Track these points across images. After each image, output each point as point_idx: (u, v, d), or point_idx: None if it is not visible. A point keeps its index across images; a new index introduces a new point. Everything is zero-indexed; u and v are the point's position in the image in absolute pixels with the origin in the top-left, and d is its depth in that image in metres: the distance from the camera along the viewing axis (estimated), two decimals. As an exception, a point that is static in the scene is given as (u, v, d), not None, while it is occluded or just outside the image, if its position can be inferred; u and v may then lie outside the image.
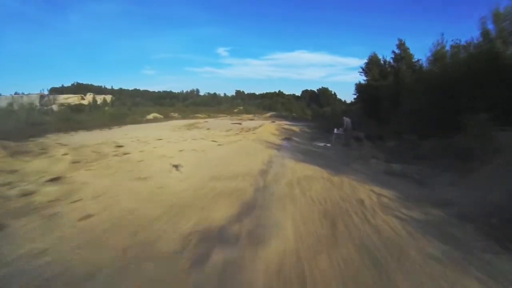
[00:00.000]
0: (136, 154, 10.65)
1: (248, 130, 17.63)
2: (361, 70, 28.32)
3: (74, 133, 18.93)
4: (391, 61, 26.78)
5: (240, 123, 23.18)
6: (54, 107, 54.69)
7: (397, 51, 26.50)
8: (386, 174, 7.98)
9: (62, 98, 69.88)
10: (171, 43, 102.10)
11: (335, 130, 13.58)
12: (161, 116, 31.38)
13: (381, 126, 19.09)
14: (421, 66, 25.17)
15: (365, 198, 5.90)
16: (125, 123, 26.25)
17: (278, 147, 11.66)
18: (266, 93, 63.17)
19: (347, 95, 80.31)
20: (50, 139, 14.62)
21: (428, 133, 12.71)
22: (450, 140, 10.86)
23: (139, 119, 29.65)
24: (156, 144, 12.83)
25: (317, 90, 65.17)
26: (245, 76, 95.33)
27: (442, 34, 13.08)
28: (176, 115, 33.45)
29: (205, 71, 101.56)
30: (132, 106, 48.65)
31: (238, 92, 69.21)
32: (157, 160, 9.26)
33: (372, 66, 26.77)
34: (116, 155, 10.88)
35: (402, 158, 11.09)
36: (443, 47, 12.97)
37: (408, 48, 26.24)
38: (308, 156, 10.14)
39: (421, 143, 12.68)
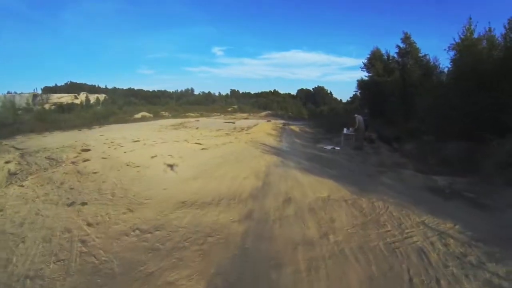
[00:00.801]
0: (97, 161, 8.23)
1: (241, 129, 15.17)
2: (363, 66, 26.02)
3: (47, 134, 16.36)
4: (396, 56, 24.58)
5: (233, 122, 20.67)
6: (47, 107, 51.93)
7: (402, 45, 24.29)
8: (430, 191, 5.57)
9: (55, 98, 66.94)
10: (166, 42, 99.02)
11: (345, 130, 11.18)
12: (151, 115, 28.73)
13: (388, 125, 16.79)
14: (428, 61, 23.14)
15: (423, 245, 3.50)
16: (110, 123, 23.65)
17: (277, 151, 9.23)
18: (261, 92, 60.71)
19: (343, 95, 78.34)
20: (12, 141, 12.10)
21: (452, 134, 10.40)
22: (478, 143, 8.62)
23: (126, 118, 27.00)
24: (130, 147, 10.38)
25: (313, 89, 63.05)
26: (241, 76, 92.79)
27: (470, 18, 10.69)
28: (166, 114, 30.81)
29: (201, 71, 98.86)
30: (125, 105, 46.12)
31: (233, 91, 66.72)
32: (117, 171, 6.78)
33: (376, 62, 24.46)
34: (73, 162, 8.52)
35: (428, 164, 8.75)
36: (472, 33, 10.61)
37: (415, 42, 23.94)
38: (317, 163, 7.73)
39: (445, 146, 10.38)
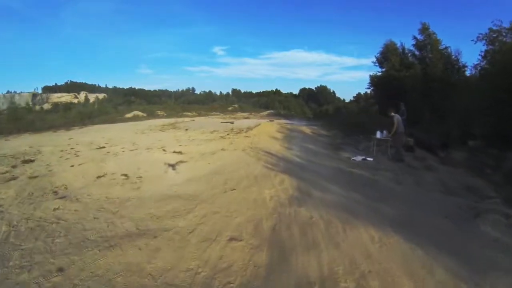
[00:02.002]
0: (22, 180, 5.26)
1: (240, 131, 12.12)
2: (374, 60, 22.82)
3: (14, 136, 13.44)
4: (413, 48, 21.39)
5: (231, 122, 17.57)
6: (45, 106, 49.19)
7: (419, 36, 21.10)
8: None
9: (55, 97, 64.28)
10: (167, 42, 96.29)
11: (378, 134, 8.06)
12: (144, 115, 25.69)
13: (413, 126, 13.61)
14: (449, 54, 19.93)
15: None
16: (95, 123, 20.63)
17: (288, 166, 6.17)
18: (263, 91, 57.62)
19: (345, 94, 75.35)
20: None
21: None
22: None
23: (117, 118, 24.00)
24: (85, 156, 7.46)
25: (315, 88, 59.98)
26: (242, 76, 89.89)
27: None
28: (162, 113, 27.77)
29: (202, 70, 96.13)
30: (124, 103, 43.26)
31: (234, 90, 63.83)
32: (29, 205, 3.76)
33: (391, 55, 21.28)
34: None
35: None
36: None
37: (434, 33, 20.77)
38: (356, 190, 4.65)
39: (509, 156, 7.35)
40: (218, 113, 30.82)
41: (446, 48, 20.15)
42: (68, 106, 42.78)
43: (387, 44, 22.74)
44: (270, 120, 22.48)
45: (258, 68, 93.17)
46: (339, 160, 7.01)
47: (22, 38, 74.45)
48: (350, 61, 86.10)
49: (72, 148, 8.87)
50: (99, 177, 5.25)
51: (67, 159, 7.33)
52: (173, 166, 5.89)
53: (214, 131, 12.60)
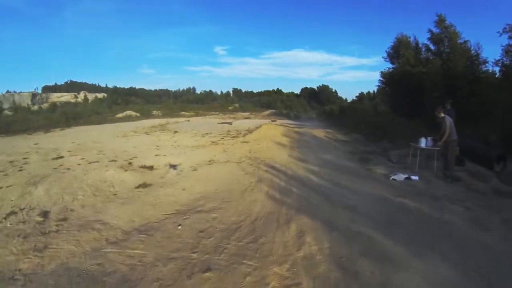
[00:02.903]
0: None
1: (237, 134, 9.93)
2: (385, 55, 20.44)
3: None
4: (429, 42, 19.03)
5: (229, 123, 15.38)
6: (44, 106, 47.27)
7: (435, 30, 18.74)
8: None
9: (55, 97, 62.31)
10: (168, 42, 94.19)
11: (422, 142, 5.80)
12: (137, 115, 23.53)
13: (433, 129, 11.33)
14: (468, 48, 17.62)
15: None
16: (80, 124, 18.53)
17: (305, 193, 3.93)
18: (264, 91, 55.29)
19: (346, 94, 73.19)
20: None
21: None
22: None
23: (108, 118, 21.94)
24: (30, 171, 5.31)
25: (317, 87, 57.70)
26: (243, 75, 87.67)
27: None
28: (157, 113, 25.59)
29: (203, 70, 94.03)
30: (122, 103, 41.26)
31: (235, 90, 61.63)
32: None
33: (406, 50, 18.96)
34: None
35: None
36: None
37: (452, 25, 18.41)
38: (435, 255, 2.41)
39: None
40: (217, 112, 28.61)
41: (465, 42, 17.79)
42: (65, 105, 40.97)
43: (399, 38, 20.31)
44: (272, 121, 20.28)
45: (259, 68, 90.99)
46: (376, 181, 4.79)
47: (23, 38, 72.50)
48: (351, 61, 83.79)
49: (24, 158, 6.81)
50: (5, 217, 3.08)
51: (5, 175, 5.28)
52: (129, 191, 3.71)
53: (207, 134, 10.42)
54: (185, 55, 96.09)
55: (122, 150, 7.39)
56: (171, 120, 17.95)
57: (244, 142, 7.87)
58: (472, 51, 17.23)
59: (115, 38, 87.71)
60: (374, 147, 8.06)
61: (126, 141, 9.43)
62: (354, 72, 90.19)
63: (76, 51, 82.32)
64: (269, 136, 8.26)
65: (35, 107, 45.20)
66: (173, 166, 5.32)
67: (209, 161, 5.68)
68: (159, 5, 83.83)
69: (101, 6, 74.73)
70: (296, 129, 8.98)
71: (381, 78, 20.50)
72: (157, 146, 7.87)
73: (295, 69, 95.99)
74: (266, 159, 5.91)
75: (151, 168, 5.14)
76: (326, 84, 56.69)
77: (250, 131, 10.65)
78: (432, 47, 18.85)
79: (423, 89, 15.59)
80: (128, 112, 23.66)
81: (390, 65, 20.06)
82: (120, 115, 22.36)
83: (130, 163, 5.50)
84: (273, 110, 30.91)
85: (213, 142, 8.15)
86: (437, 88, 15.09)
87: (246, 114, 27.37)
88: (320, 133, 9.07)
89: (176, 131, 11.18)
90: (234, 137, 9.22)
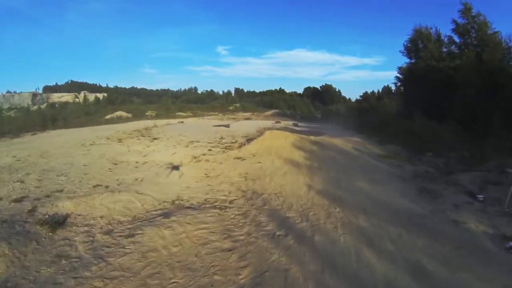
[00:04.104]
0: None
1: (232, 142, 7.39)
2: (402, 49, 17.62)
3: None
4: (453, 34, 16.27)
5: (226, 125, 12.81)
6: (44, 106, 45.32)
7: (460, 20, 15.96)
8: None
9: (56, 97, 60.21)
10: (170, 42, 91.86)
11: None
12: (129, 115, 21.03)
13: (481, 139, 8.54)
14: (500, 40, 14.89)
15: None
16: (59, 127, 15.95)
17: None
18: (267, 90, 52.60)
19: (349, 93, 70.52)
20: None
21: None
22: None
23: (95, 119, 19.46)
24: None
25: (320, 87, 54.91)
26: (245, 75, 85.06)
27: None
28: (151, 113, 23.04)
29: (205, 70, 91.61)
30: (121, 103, 39.03)
31: (237, 89, 59.06)
32: None
33: (428, 42, 16.20)
34: None
35: None
36: None
37: (481, 14, 15.64)
38: None
39: None
40: (216, 113, 26.01)
41: (494, 33, 14.98)
42: (63, 105, 38.81)
43: (418, 29, 17.43)
44: (276, 122, 17.64)
45: (261, 68, 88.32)
46: (486, 256, 2.24)
47: (24, 38, 70.43)
48: (353, 60, 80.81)
49: None
50: None
51: None
52: None
53: (193, 142, 7.89)
54: (187, 55, 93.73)
55: (60, 172, 4.91)
56: (161, 122, 15.38)
57: (239, 158, 5.30)
58: (503, 44, 14.57)
59: (116, 38, 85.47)
60: (425, 165, 5.45)
61: (85, 154, 6.90)
62: (356, 71, 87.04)
63: (77, 51, 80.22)
64: (275, 148, 5.67)
65: (35, 107, 43.25)
66: (97, 230, 2.79)
67: (173, 204, 3.14)
68: (161, 5, 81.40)
69: (102, 6, 72.38)
70: (312, 138, 6.33)
71: (398, 75, 17.83)
72: (115, 164, 5.36)
73: (297, 68, 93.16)
74: (271, 195, 3.36)
75: (53, 229, 2.62)
76: (328, 83, 53.65)
77: (249, 138, 8.08)
78: (456, 39, 16.19)
79: (453, 86, 12.92)
80: (119, 113, 21.15)
81: (407, 60, 17.39)
82: (108, 116, 19.86)
83: (32, 211, 2.98)
84: (276, 110, 28.28)
85: (195, 158, 5.57)
86: (471, 86, 12.37)
87: (247, 114, 24.75)
88: (344, 143, 6.39)
89: (155, 138, 8.61)
90: (226, 148, 6.65)
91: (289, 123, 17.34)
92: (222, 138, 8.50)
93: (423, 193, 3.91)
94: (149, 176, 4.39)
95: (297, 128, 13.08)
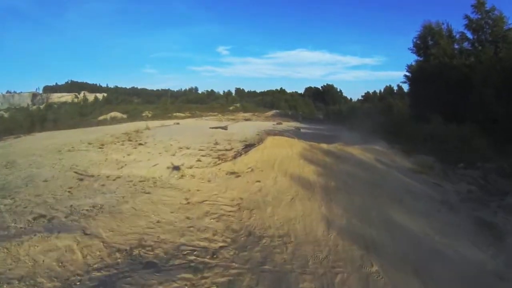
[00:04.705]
0: None
1: (227, 150, 6.30)
2: (411, 47, 16.38)
3: None
4: (465, 30, 15.08)
5: (224, 128, 11.68)
6: (42, 106, 44.55)
7: (473, 15, 14.77)
8: None
9: (56, 97, 59.16)
10: (171, 42, 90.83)
11: None
12: (124, 116, 19.97)
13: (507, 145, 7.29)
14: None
15: None
16: (48, 128, 14.91)
17: None
18: (267, 90, 51.31)
19: (350, 93, 69.31)
20: None
21: None
22: None
23: (88, 121, 18.43)
24: None
25: (321, 87, 53.59)
26: (246, 75, 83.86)
27: None
28: (148, 114, 21.96)
29: (205, 70, 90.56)
30: (121, 103, 38.19)
31: (238, 89, 57.84)
32: None
33: (439, 38, 14.98)
34: None
35: None
36: None
37: (496, 9, 14.46)
38: None
39: None
40: (216, 113, 24.88)
41: (510, 29, 13.82)
42: (61, 106, 37.93)
43: (427, 25, 16.23)
44: (278, 123, 16.51)
45: (262, 68, 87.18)
46: None
47: (25, 38, 69.45)
48: (354, 60, 79.54)
49: None
50: None
51: None
52: None
53: (184, 148, 6.80)
54: (187, 55, 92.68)
55: (10, 192, 3.85)
56: (155, 123, 14.27)
57: (233, 173, 4.18)
58: (520, 38, 13.44)
59: (117, 38, 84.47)
60: (465, 182, 4.31)
61: (54, 164, 5.80)
62: (357, 72, 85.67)
63: (77, 51, 79.28)
64: (279, 160, 4.54)
65: (34, 107, 42.42)
66: None
67: (129, 255, 2.03)
68: (162, 5, 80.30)
69: (103, 6, 71.31)
70: (324, 146, 5.11)
71: (407, 73, 16.61)
72: (80, 180, 4.27)
73: (298, 68, 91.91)
74: (275, 240, 2.27)
75: None
76: (330, 83, 52.25)
77: (247, 144, 6.96)
78: (470, 35, 14.99)
79: (469, 85, 11.75)
80: (113, 114, 20.11)
81: (416, 57, 16.23)
82: (102, 117, 18.81)
83: None
84: (277, 111, 27.10)
85: (178, 171, 4.45)
86: (491, 85, 11.17)
87: (247, 115, 23.60)
88: (362, 152, 5.18)
89: (140, 144, 7.49)
90: (219, 157, 5.54)
91: (291, 124, 16.21)
92: (216, 143, 7.38)
93: (483, 229, 2.80)
94: (112, 201, 3.28)
95: (302, 130, 11.94)
